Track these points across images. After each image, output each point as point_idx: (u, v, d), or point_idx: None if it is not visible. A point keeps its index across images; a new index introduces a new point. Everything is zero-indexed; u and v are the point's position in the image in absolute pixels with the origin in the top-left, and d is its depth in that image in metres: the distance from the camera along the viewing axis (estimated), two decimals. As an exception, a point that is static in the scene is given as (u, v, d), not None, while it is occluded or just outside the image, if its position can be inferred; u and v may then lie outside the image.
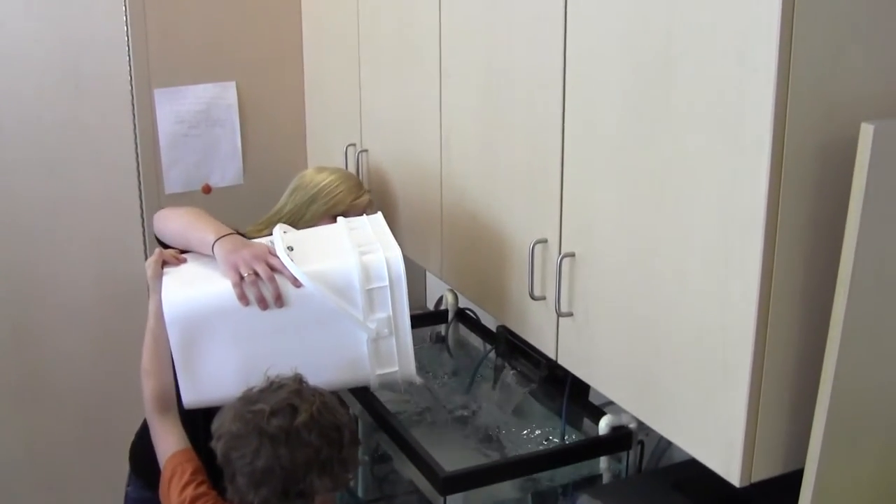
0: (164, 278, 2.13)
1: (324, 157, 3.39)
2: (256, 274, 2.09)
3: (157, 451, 2.16)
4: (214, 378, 2.11)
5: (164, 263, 2.20)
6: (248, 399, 1.97)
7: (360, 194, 2.69)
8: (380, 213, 2.34)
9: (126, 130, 3.40)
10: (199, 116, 3.46)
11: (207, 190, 3.50)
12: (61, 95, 3.30)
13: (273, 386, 1.98)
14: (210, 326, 2.09)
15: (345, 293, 2.11)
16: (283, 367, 2.04)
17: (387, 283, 2.11)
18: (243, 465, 1.91)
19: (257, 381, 2.04)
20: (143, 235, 3.47)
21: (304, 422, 1.91)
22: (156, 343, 2.18)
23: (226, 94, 3.48)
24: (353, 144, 3.05)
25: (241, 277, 2.09)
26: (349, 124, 3.08)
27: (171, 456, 2.12)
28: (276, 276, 2.10)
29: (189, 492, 2.05)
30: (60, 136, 3.33)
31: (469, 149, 2.40)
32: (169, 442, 2.14)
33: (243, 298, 2.08)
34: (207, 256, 2.19)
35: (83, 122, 3.34)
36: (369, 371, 2.18)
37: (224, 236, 2.19)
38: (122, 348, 3.49)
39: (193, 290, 2.13)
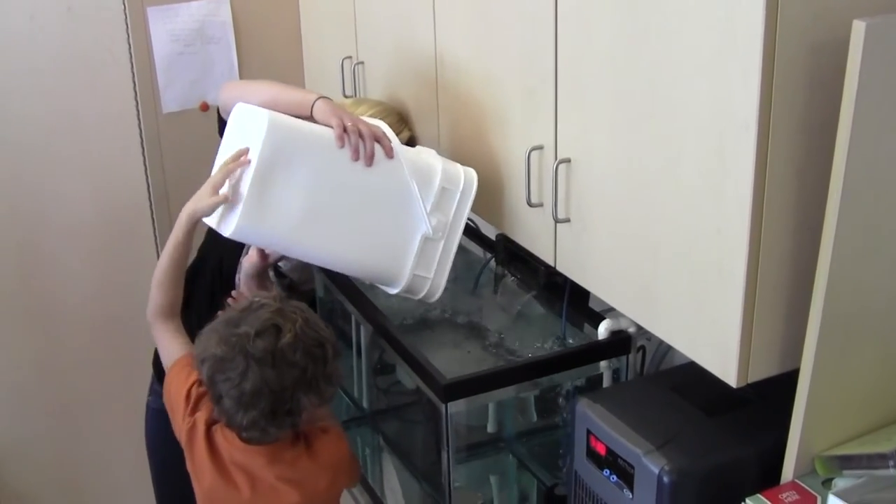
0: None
1: (320, 72, 3.37)
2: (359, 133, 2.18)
3: (163, 356, 2.20)
4: (277, 210, 2.13)
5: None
6: (231, 321, 1.98)
7: (400, 130, 2.62)
8: None
9: (121, 51, 3.38)
10: (193, 34, 3.44)
11: (205, 108, 3.49)
12: (54, 17, 3.26)
13: (254, 306, 2.00)
14: (297, 157, 2.13)
15: (424, 185, 2.24)
16: (337, 229, 2.15)
17: (459, 189, 2.28)
18: (230, 387, 1.93)
19: (308, 235, 2.13)
20: (143, 155, 3.47)
21: (289, 342, 1.93)
22: (177, 253, 2.18)
23: (219, 10, 3.45)
24: (350, 57, 3.03)
25: (345, 128, 2.16)
26: (345, 37, 3.06)
27: (182, 357, 2.15)
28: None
29: (195, 390, 2.09)
30: (55, 59, 3.30)
31: (463, 58, 2.38)
32: (174, 346, 2.18)
33: (341, 140, 2.16)
34: None
35: (77, 44, 3.31)
36: (409, 267, 2.26)
37: (326, 98, 2.26)
38: (126, 267, 3.54)
39: (295, 121, 2.18)
